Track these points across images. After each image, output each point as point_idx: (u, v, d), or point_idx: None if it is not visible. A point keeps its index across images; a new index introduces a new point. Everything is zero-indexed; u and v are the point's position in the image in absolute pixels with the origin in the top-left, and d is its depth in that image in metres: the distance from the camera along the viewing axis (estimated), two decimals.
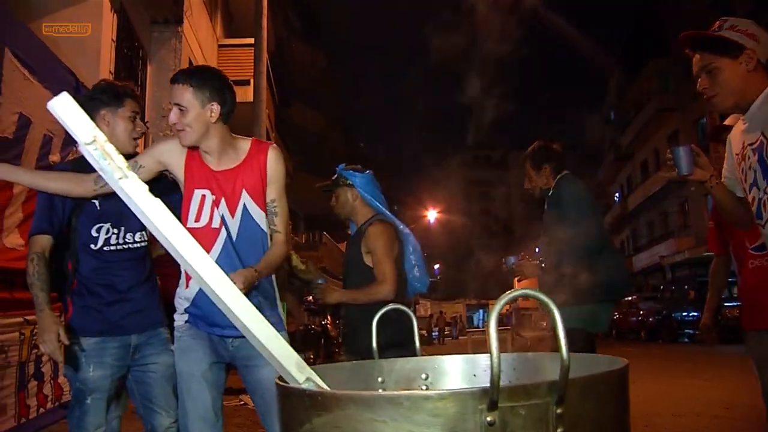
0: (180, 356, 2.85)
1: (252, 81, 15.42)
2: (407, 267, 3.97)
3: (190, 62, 13.51)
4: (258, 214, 2.88)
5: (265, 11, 12.05)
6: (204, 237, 2.72)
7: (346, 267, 4.07)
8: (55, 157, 5.94)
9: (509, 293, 0.99)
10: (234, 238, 2.81)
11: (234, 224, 2.83)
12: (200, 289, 2.71)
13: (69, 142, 6.17)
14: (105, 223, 3.00)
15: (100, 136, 1.23)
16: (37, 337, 2.85)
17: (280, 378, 1.31)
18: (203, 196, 2.82)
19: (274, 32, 12.09)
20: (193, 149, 2.87)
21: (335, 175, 4.05)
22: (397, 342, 2.18)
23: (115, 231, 3.01)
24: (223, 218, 2.81)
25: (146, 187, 1.27)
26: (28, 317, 5.57)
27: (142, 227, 3.08)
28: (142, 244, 3.11)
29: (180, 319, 2.89)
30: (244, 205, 2.86)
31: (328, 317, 19.22)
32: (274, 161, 2.92)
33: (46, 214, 2.95)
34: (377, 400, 1.02)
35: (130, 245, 3.05)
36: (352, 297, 3.78)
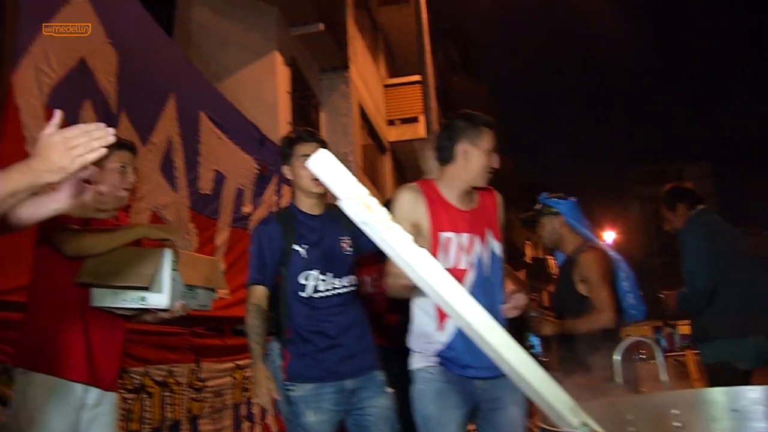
0: (433, 400, 2.78)
1: (419, 118, 15.71)
2: (620, 294, 3.80)
3: (361, 106, 13.93)
4: (500, 252, 2.92)
5: (427, 48, 12.20)
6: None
7: (559, 296, 4.01)
8: (247, 208, 6.28)
9: None
10: (485, 277, 2.80)
11: (485, 263, 2.86)
12: (457, 333, 2.70)
13: (258, 193, 6.51)
14: (312, 270, 3.05)
15: (361, 191, 1.23)
16: (251, 389, 2.96)
17: (545, 422, 1.23)
18: (449, 239, 2.82)
19: (436, 67, 12.18)
20: (432, 193, 2.89)
21: (538, 205, 3.99)
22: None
23: (323, 278, 3.06)
24: (474, 258, 2.82)
25: (411, 237, 1.26)
26: (238, 362, 5.87)
27: (349, 272, 3.13)
28: (350, 288, 3.13)
29: (429, 360, 2.83)
30: (491, 243, 2.90)
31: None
32: (501, 205, 3.04)
33: (258, 265, 3.07)
34: None
35: (339, 290, 3.09)
36: (571, 328, 3.65)
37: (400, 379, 3.05)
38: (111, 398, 2.80)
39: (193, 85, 5.57)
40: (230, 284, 5.76)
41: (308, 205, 3.17)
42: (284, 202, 7.00)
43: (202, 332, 5.43)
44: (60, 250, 2.61)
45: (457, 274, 2.75)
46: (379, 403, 3.08)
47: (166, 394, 4.87)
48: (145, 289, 2.58)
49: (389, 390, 3.10)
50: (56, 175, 1.53)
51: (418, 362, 2.87)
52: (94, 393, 2.70)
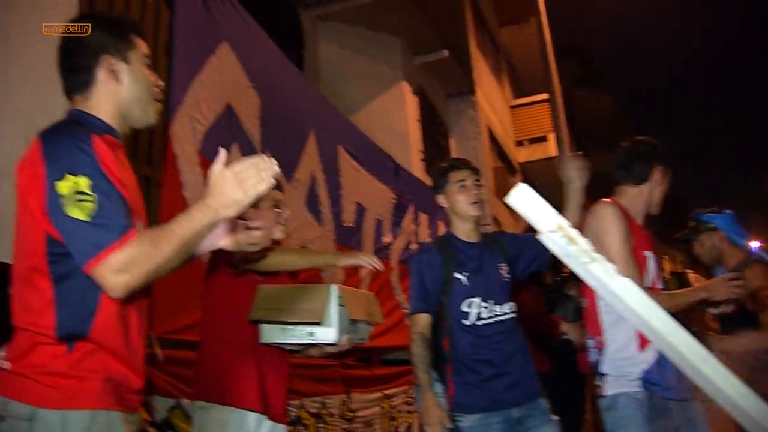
0: (641, 426, 2.66)
1: (548, 136, 15.44)
2: None
3: (489, 129, 13.85)
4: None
5: (553, 65, 12.01)
6: None
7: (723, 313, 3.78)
8: (387, 238, 6.34)
9: None
10: None
11: (660, 283, 2.86)
12: (658, 358, 2.65)
13: (396, 223, 6.57)
14: (474, 297, 3.02)
15: (563, 222, 1.20)
16: (421, 418, 2.94)
17: None
18: (645, 257, 2.83)
19: (561, 81, 11.93)
20: (624, 212, 2.88)
21: (692, 222, 3.81)
22: None
23: (485, 305, 3.03)
24: (660, 278, 2.81)
25: (613, 267, 1.21)
26: (386, 391, 5.90)
27: (509, 298, 3.08)
28: (511, 315, 3.08)
29: (631, 386, 2.73)
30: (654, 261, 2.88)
31: None
32: None
33: (420, 294, 3.07)
34: None
35: (501, 317, 3.04)
36: (739, 344, 3.43)
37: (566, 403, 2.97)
38: (281, 430, 2.84)
39: (330, 121, 5.72)
40: None
41: (466, 232, 3.17)
42: (422, 230, 7.02)
43: (351, 363, 5.50)
44: (257, 268, 2.74)
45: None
46: (545, 430, 2.98)
47: (320, 425, 4.95)
48: (317, 324, 2.63)
49: (555, 417, 3.02)
50: (232, 209, 1.56)
51: (618, 387, 2.75)
52: (266, 426, 2.76)
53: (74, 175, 1.53)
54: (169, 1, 4.10)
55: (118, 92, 1.76)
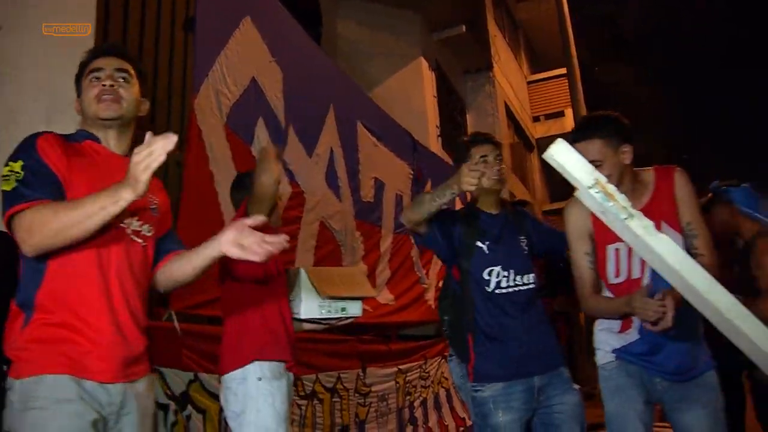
0: (611, 396, 2.74)
1: (566, 111, 15.35)
2: None
3: (506, 104, 13.78)
4: (680, 242, 2.73)
5: (571, 40, 11.90)
6: (628, 291, 2.64)
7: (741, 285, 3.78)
8: None
9: None
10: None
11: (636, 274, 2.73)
12: (640, 336, 2.65)
13: None
14: (495, 266, 3.04)
15: (601, 178, 1.20)
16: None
17: None
18: (617, 250, 2.73)
19: (579, 58, 11.85)
20: None
21: (708, 194, 3.79)
22: None
23: (505, 274, 3.04)
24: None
25: (653, 224, 1.21)
26: (401, 366, 5.95)
27: (530, 270, 3.09)
28: (531, 286, 3.09)
29: (607, 357, 2.78)
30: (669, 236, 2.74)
31: None
32: (682, 184, 2.75)
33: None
34: None
35: (521, 287, 3.05)
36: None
37: None
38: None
39: (349, 96, 5.71)
40: (394, 290, 5.85)
41: (486, 205, 3.17)
42: None
43: (368, 338, 5.55)
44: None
45: (633, 285, 2.65)
46: (567, 400, 2.99)
47: (335, 399, 5.00)
48: (354, 299, 2.80)
49: (576, 387, 3.04)
50: (130, 191, 1.73)
51: (600, 359, 2.81)
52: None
53: (13, 161, 1.87)
54: None
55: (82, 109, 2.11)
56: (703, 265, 2.61)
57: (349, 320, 2.97)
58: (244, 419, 2.86)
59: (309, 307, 2.85)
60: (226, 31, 3.83)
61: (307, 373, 4.63)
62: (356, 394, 5.31)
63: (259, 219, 1.94)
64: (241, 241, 1.87)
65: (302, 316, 2.87)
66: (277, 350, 2.93)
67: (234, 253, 1.88)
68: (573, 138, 2.68)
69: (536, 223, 3.36)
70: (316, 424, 4.71)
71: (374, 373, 5.56)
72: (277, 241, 1.86)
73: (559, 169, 1.21)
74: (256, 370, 2.88)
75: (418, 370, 6.39)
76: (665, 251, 1.21)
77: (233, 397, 2.90)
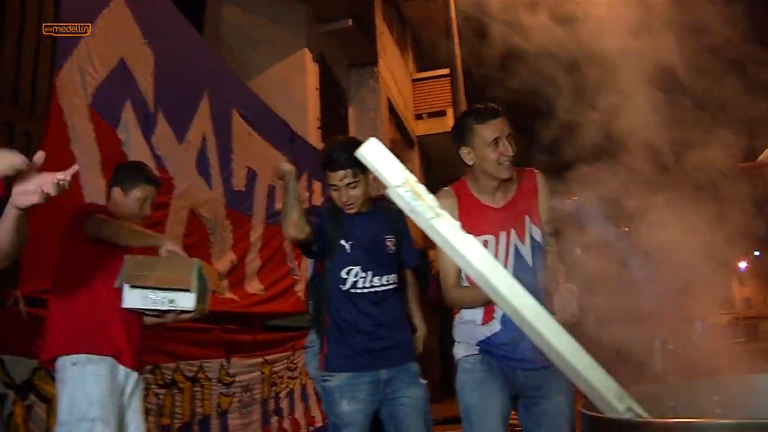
0: (473, 389, 2.79)
1: (448, 111, 15.67)
2: None
3: (389, 101, 13.93)
4: (540, 238, 2.83)
5: (456, 40, 12.15)
6: None
7: None
8: (280, 205, 6.32)
9: None
10: (525, 266, 2.74)
11: (527, 252, 2.79)
12: (503, 324, 2.72)
13: None
14: (355, 266, 3.10)
15: (410, 178, 1.25)
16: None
17: (587, 407, 1.24)
18: (485, 241, 2.75)
19: (462, 58, 12.09)
20: (465, 196, 2.85)
21: None
22: None
23: (363, 275, 3.11)
24: (513, 251, 2.78)
25: (459, 224, 1.28)
26: (267, 357, 5.95)
27: (390, 271, 3.16)
28: (390, 286, 3.17)
29: (470, 350, 2.86)
30: (530, 230, 2.81)
31: None
32: (543, 184, 2.89)
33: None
34: (714, 429, 0.88)
35: (377, 288, 3.13)
36: None
37: None
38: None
39: (225, 83, 5.63)
40: (264, 281, 5.84)
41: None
42: (315, 198, 7.02)
43: (233, 328, 5.51)
44: (85, 230, 2.88)
45: None
46: (411, 393, 3.12)
47: (196, 389, 4.95)
48: (181, 291, 2.83)
49: (423, 381, 3.15)
50: None
51: (461, 352, 2.88)
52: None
53: None
54: None
55: None
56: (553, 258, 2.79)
57: (186, 314, 2.98)
58: (59, 405, 2.88)
59: (132, 296, 2.86)
60: (94, 8, 3.70)
61: (167, 361, 4.55)
62: (219, 384, 5.26)
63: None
64: (27, 189, 1.90)
65: (124, 305, 2.89)
66: (95, 344, 2.93)
67: (22, 201, 1.92)
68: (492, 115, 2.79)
69: (406, 228, 3.33)
70: (174, 414, 4.64)
71: (239, 363, 5.52)
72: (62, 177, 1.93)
73: (370, 167, 1.26)
74: (71, 356, 2.89)
75: (286, 361, 6.40)
76: (469, 251, 1.27)
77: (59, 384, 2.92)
